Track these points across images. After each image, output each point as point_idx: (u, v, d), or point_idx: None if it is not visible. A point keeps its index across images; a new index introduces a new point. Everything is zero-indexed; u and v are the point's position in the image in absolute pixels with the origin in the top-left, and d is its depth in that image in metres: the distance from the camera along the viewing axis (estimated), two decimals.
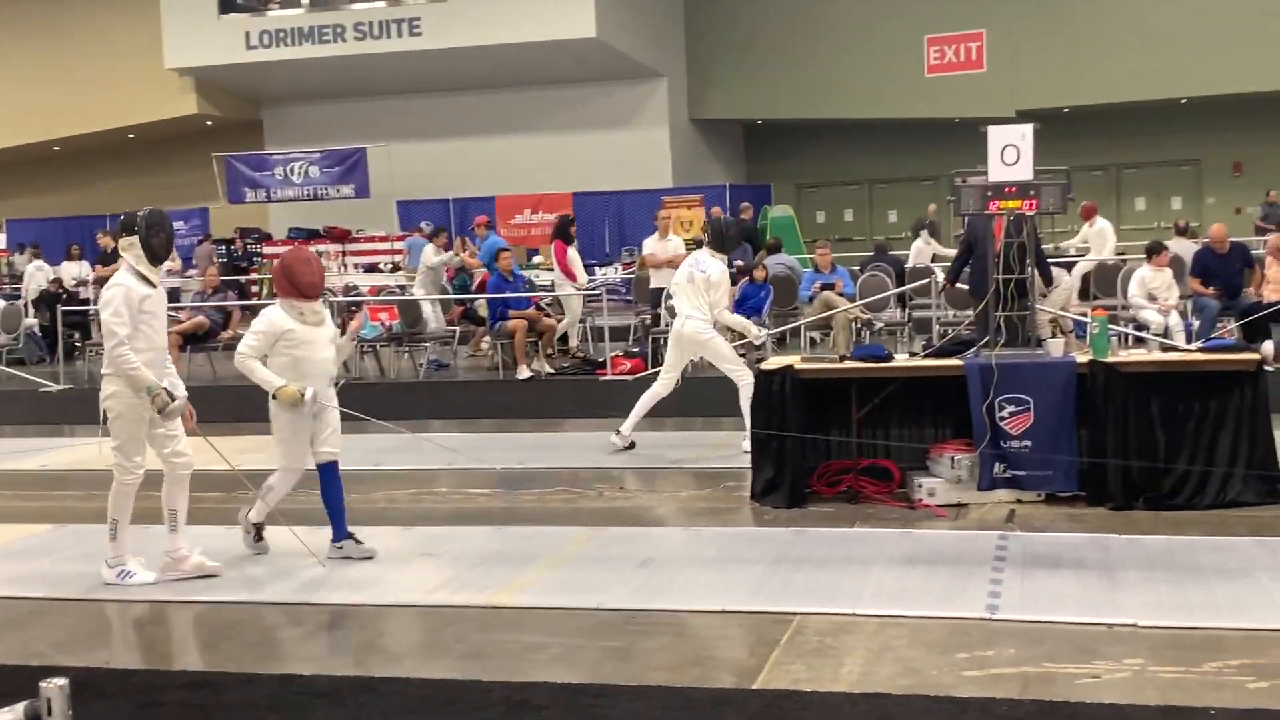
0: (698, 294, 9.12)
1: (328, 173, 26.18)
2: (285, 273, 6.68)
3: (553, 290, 16.14)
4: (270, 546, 6.94)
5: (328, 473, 6.76)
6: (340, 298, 16.76)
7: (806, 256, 19.86)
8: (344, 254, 25.65)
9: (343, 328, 7.53)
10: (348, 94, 27.29)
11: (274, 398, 6.57)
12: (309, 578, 6.43)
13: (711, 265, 9.14)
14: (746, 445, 8.92)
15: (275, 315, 6.67)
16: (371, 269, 24.81)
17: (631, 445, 9.38)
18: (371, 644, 5.60)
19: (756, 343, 10.56)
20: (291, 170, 26.38)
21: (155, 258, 6.37)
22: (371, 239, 26.03)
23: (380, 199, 25.75)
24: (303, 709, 4.65)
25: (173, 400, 6.29)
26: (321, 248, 25.63)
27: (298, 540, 6.68)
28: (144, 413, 6.31)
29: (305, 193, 26.35)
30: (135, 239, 6.33)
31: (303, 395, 6.53)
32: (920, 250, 18.20)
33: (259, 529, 6.95)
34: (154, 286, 6.39)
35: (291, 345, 6.61)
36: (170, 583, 6.38)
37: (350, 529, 6.82)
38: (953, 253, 18.84)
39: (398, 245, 24.56)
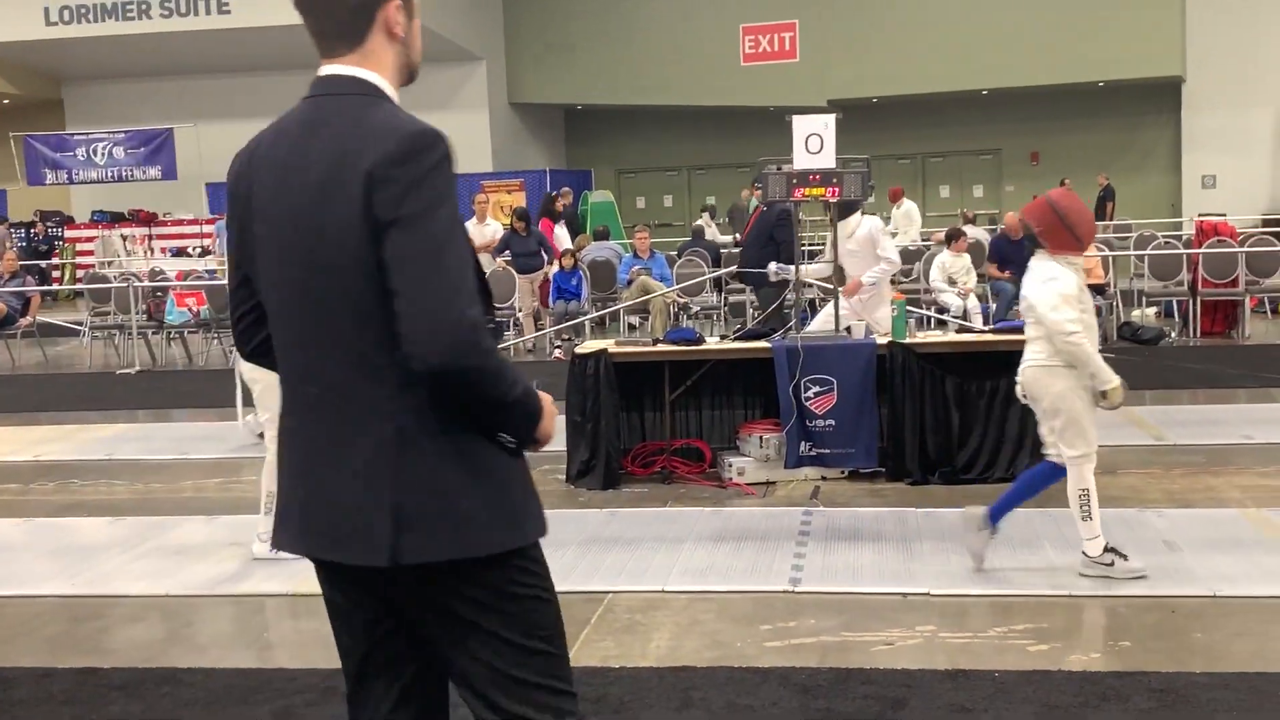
0: None
1: (133, 154, 25.25)
2: (1065, 220, 5.28)
3: None
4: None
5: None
6: (146, 282, 16.26)
7: (626, 241, 20.06)
8: (150, 238, 24.85)
9: None
10: (154, 73, 26.36)
11: (1104, 395, 5.33)
12: (113, 570, 6.25)
13: None
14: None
15: (1071, 277, 5.32)
16: (180, 253, 24.11)
17: None
18: (175, 635, 5.48)
19: None
20: (95, 151, 25.38)
21: None
22: (180, 222, 25.27)
23: (188, 181, 24.96)
24: (101, 702, 4.54)
25: None
26: (127, 231, 24.82)
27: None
28: None
29: (110, 174, 25.39)
30: None
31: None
32: (702, 230, 19.51)
33: (1114, 551, 5.51)
34: None
35: (1084, 309, 5.32)
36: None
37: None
38: (728, 239, 20.18)
39: (207, 229, 23.90)
